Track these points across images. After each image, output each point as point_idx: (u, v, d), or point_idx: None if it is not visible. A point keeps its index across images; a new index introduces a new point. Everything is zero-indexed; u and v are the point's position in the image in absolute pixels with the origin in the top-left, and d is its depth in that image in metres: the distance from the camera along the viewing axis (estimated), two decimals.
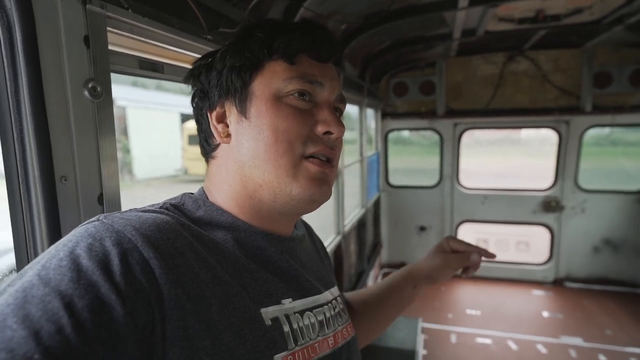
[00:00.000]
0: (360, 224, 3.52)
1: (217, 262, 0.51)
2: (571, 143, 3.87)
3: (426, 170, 4.46)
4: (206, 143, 0.63)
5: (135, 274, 0.41)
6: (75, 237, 0.43)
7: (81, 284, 0.38)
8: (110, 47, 0.76)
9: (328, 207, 2.82)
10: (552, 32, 3.15)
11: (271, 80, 0.58)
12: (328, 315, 0.63)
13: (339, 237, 2.75)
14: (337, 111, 0.64)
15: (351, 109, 3.40)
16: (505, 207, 4.22)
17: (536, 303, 3.83)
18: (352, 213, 3.43)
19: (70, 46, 0.65)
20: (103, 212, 0.68)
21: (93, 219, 0.46)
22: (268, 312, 0.53)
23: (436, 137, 4.31)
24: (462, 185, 4.35)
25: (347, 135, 3.11)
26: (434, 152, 4.42)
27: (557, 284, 4.16)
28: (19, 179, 0.61)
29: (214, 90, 0.60)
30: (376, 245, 4.35)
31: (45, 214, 0.62)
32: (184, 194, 0.62)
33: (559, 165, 4.00)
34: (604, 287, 4.02)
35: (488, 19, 2.62)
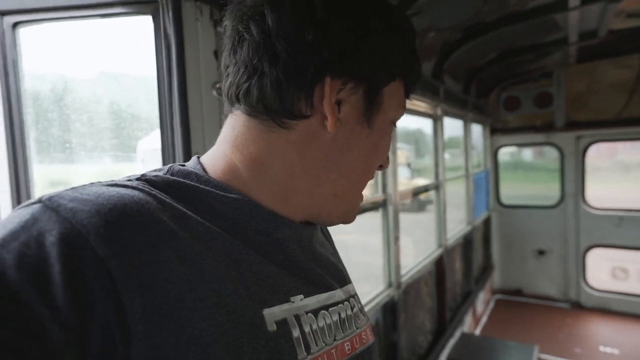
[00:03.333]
0: (467, 242, 3.38)
1: (206, 252, 0.40)
2: None
3: (550, 197, 4.06)
4: (280, 98, 0.45)
5: (84, 282, 0.31)
6: (4, 232, 0.32)
7: (2, 308, 0.28)
8: None
9: (427, 222, 2.81)
10: None
11: (394, 100, 0.51)
12: (344, 315, 0.53)
13: (440, 250, 2.70)
14: None
15: (453, 123, 3.35)
16: None
17: None
18: (457, 228, 3.33)
19: (204, 57, 0.89)
20: None
21: (34, 199, 0.35)
22: (273, 314, 0.42)
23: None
24: (589, 205, 3.85)
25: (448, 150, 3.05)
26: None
27: None
28: (168, 155, 0.86)
29: (357, 56, 0.46)
30: (487, 268, 4.08)
31: None
32: (172, 165, 0.48)
33: None
34: None
35: (610, 16, 2.40)
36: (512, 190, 4.50)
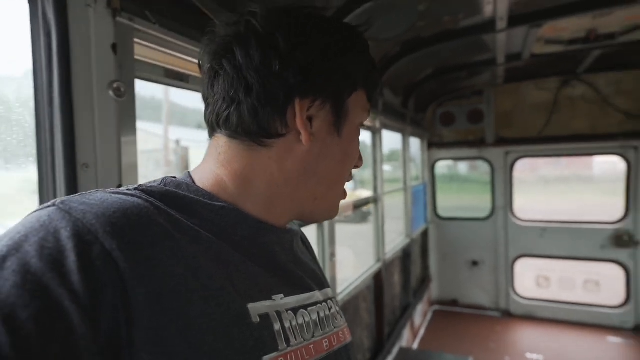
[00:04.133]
0: (406, 254, 3.41)
1: (198, 252, 0.44)
2: None
3: (483, 209, 4.26)
4: (257, 122, 0.50)
5: (95, 270, 0.35)
6: (25, 229, 0.36)
7: (27, 289, 0.32)
8: (137, 57, 0.86)
9: (369, 233, 2.78)
10: (609, 52, 2.98)
11: (358, 107, 0.58)
12: (322, 315, 0.58)
13: (379, 264, 2.67)
14: None
15: (391, 137, 3.39)
16: (567, 241, 3.87)
17: (612, 352, 3.37)
18: (397, 240, 3.34)
19: (99, 51, 0.74)
20: None
21: (48, 203, 0.40)
22: (256, 308, 0.47)
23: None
24: (517, 217, 4.08)
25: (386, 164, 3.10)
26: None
27: (638, 331, 3.65)
28: (47, 164, 0.70)
29: (320, 76, 0.51)
30: (425, 279, 4.15)
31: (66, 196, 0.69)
32: (166, 177, 0.54)
33: (629, 195, 3.63)
34: None
35: (532, 41, 2.55)
36: (448, 203, 4.66)
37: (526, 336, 3.75)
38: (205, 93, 0.55)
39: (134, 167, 0.81)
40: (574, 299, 4.02)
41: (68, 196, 0.41)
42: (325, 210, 0.60)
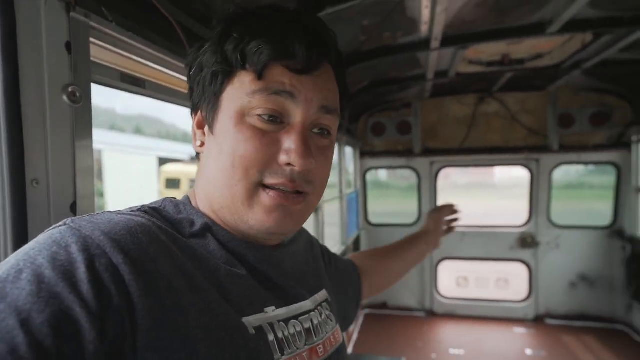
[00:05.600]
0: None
1: (195, 268, 0.47)
2: (542, 180, 4.02)
3: (407, 213, 4.51)
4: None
5: (103, 281, 0.38)
6: (39, 245, 0.39)
7: (41, 297, 0.35)
8: (93, 59, 0.76)
9: None
10: (518, 75, 3.36)
11: (238, 94, 0.51)
12: (316, 322, 0.60)
13: None
14: (322, 131, 0.55)
15: None
16: (483, 244, 4.27)
17: (519, 341, 3.78)
18: (333, 249, 3.39)
19: (51, 50, 0.65)
20: None
21: (60, 223, 0.43)
22: (250, 321, 0.49)
23: (413, 179, 4.40)
24: None
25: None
26: (413, 196, 4.49)
27: (537, 321, 4.14)
28: None
29: (196, 90, 0.55)
30: None
31: (12, 217, 0.59)
32: (166, 198, 0.58)
33: (532, 202, 4.11)
34: (584, 323, 4.02)
35: (459, 61, 2.79)
36: (376, 208, 4.86)
37: (449, 333, 4.04)
38: None
39: (90, 182, 0.72)
40: (488, 296, 4.43)
41: (78, 217, 0.45)
42: (256, 227, 0.53)
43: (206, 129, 0.56)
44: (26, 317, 0.33)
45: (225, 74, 0.52)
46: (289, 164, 0.51)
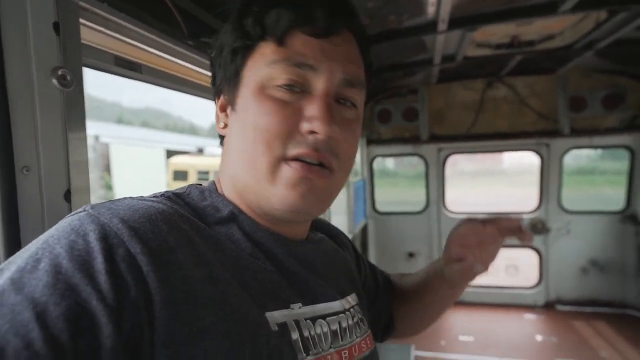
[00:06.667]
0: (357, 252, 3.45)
1: (217, 259, 0.45)
2: (553, 165, 3.94)
3: (415, 202, 4.47)
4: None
5: (120, 272, 0.37)
6: (58, 233, 0.38)
7: (58, 288, 0.34)
8: (84, 41, 0.73)
9: None
10: (527, 58, 3.27)
11: (258, 65, 0.50)
12: (344, 324, 0.57)
13: None
14: (345, 101, 0.53)
15: None
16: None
17: (529, 327, 3.75)
18: None
19: (38, 31, 0.61)
20: (71, 210, 0.63)
21: (80, 209, 0.43)
22: (274, 317, 0.47)
23: (421, 167, 4.35)
24: (449, 210, 4.35)
25: None
26: (420, 184, 4.44)
27: (548, 307, 4.10)
28: None
29: (218, 74, 0.57)
30: None
31: (2, 205, 0.56)
32: (191, 184, 0.57)
33: (542, 187, 4.05)
34: (595, 308, 3.97)
35: (467, 43, 2.71)
36: (383, 197, 4.82)
37: (458, 320, 4.02)
38: None
39: (85, 168, 0.69)
40: (497, 283, 4.40)
41: (98, 203, 0.44)
42: (278, 204, 0.50)
43: (229, 110, 0.55)
44: (42, 310, 0.32)
45: (246, 48, 0.51)
46: (312, 132, 0.49)
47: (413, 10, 2.12)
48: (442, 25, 2.24)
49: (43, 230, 0.43)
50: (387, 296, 0.86)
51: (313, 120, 0.48)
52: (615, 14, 2.27)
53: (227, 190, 0.56)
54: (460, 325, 3.91)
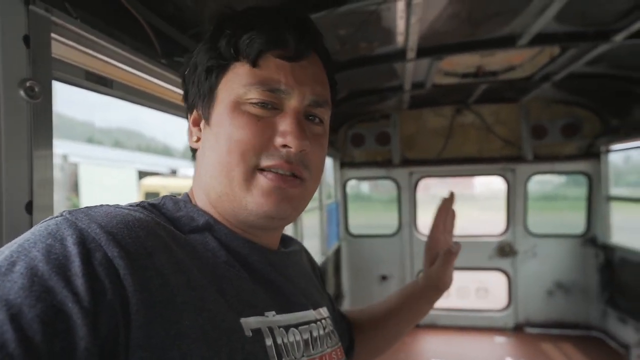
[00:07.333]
0: (321, 273, 3.43)
1: (194, 265, 0.46)
2: (518, 189, 4.11)
3: (388, 226, 4.53)
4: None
5: (97, 275, 0.37)
6: (34, 237, 0.38)
7: (33, 291, 0.34)
8: (55, 56, 0.74)
9: None
10: (492, 87, 3.46)
11: (233, 85, 0.53)
12: (315, 334, 0.58)
13: None
14: (314, 118, 0.57)
15: None
16: (462, 253, 4.26)
17: (499, 350, 3.80)
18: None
19: (7, 42, 0.62)
20: (32, 223, 0.63)
21: (57, 214, 0.43)
22: (249, 323, 0.47)
23: (394, 191, 4.43)
24: (420, 233, 4.42)
25: None
26: (394, 208, 4.51)
27: (517, 329, 4.17)
28: None
29: (191, 90, 0.59)
30: (338, 297, 4.23)
31: None
32: (165, 195, 0.58)
33: (509, 211, 4.19)
34: (562, 331, 4.07)
35: (434, 72, 2.85)
36: (356, 220, 4.86)
37: (430, 344, 4.03)
38: None
39: (49, 185, 0.68)
40: (468, 305, 4.45)
41: (75, 208, 0.44)
42: (254, 210, 0.53)
43: (202, 124, 0.58)
44: (16, 312, 0.32)
45: (220, 68, 0.54)
46: (284, 146, 0.52)
47: (383, 39, 2.23)
48: (410, 54, 2.35)
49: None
50: (346, 322, 0.91)
51: (286, 134, 0.52)
52: (566, 50, 2.45)
53: (201, 201, 0.58)
54: (433, 349, 3.91)
